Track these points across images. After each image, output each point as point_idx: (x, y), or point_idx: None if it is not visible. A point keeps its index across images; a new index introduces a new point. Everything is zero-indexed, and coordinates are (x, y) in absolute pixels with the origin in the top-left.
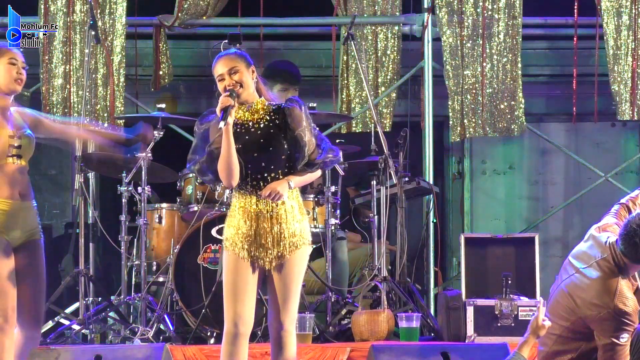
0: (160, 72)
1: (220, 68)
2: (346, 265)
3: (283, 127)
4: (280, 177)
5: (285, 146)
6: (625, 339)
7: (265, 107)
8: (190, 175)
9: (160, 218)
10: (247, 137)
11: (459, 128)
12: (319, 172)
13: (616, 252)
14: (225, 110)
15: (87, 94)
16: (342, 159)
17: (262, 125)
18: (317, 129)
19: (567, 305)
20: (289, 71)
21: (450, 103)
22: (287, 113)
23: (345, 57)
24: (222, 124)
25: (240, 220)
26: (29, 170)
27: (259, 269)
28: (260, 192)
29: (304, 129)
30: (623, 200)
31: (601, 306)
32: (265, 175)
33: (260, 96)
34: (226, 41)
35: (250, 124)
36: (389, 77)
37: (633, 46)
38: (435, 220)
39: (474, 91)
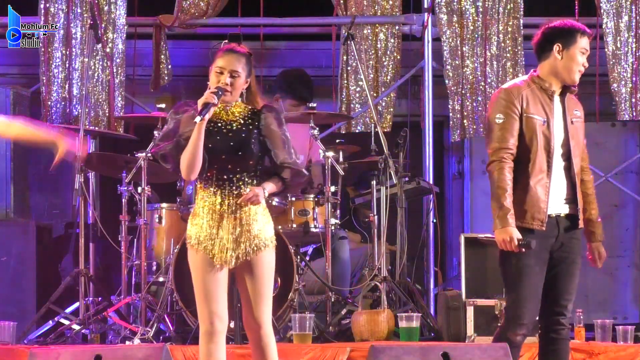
0: (160, 72)
1: (225, 62)
2: (348, 264)
3: (256, 132)
4: (247, 179)
5: (255, 151)
6: (500, 120)
7: (242, 110)
8: None
9: (160, 218)
10: (217, 137)
11: (459, 128)
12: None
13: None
14: (206, 106)
15: (87, 94)
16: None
17: (234, 128)
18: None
19: None
20: (307, 90)
21: (450, 103)
22: (264, 122)
23: (345, 57)
24: (198, 118)
25: (204, 219)
26: None
27: (225, 268)
28: (237, 193)
29: (280, 146)
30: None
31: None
32: (231, 176)
33: (248, 99)
34: (226, 41)
35: (224, 124)
36: (389, 77)
37: (633, 46)
38: (435, 220)
39: (474, 91)
